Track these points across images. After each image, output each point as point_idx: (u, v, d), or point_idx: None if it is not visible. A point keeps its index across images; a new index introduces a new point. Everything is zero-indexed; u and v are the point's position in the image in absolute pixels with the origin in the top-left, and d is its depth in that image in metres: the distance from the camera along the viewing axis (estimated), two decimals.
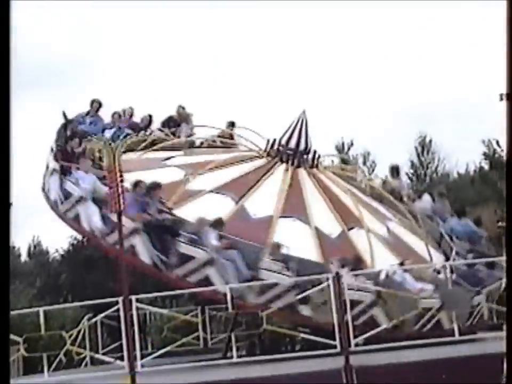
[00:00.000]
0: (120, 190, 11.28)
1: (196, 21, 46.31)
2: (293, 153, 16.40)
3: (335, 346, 10.84)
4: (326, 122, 18.03)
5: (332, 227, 15.09)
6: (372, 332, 11.41)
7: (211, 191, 15.19)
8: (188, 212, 14.34)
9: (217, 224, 13.52)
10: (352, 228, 15.09)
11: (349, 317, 11.13)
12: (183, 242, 12.82)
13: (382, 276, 12.86)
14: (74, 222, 14.13)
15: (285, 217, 14.92)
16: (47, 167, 15.82)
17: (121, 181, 11.31)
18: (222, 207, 14.82)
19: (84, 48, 47.03)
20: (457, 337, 11.30)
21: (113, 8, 45.58)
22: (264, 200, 15.22)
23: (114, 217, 12.11)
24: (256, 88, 44.57)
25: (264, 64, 44.33)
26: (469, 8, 39.60)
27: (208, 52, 46.45)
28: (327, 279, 11.28)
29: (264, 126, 18.28)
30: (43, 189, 15.72)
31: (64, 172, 14.84)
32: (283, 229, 14.57)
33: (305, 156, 16.55)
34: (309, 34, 45.03)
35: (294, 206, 15.21)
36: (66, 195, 14.37)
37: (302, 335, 12.20)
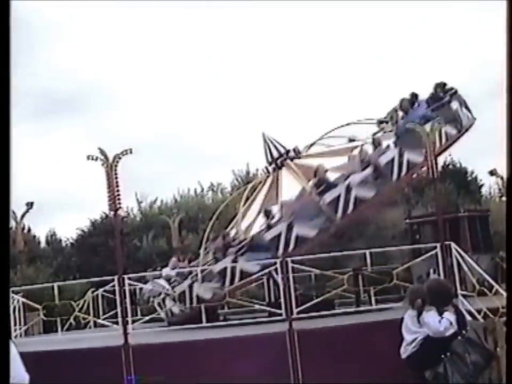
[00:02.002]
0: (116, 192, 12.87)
1: (196, 22, 44.64)
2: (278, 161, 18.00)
3: (281, 315, 12.91)
4: (326, 122, 19.73)
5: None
6: (308, 304, 13.38)
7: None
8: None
9: None
10: None
11: (292, 292, 13.06)
12: None
13: None
14: None
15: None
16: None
17: (117, 185, 12.89)
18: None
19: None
20: (374, 306, 13.83)
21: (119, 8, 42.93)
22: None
23: None
24: (255, 88, 43.47)
25: (263, 65, 43.54)
26: (468, 8, 38.79)
27: (207, 53, 45.12)
28: (275, 263, 13.53)
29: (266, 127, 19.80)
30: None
31: None
32: None
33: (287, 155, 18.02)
34: (306, 35, 43.91)
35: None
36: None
37: (257, 306, 14.37)
